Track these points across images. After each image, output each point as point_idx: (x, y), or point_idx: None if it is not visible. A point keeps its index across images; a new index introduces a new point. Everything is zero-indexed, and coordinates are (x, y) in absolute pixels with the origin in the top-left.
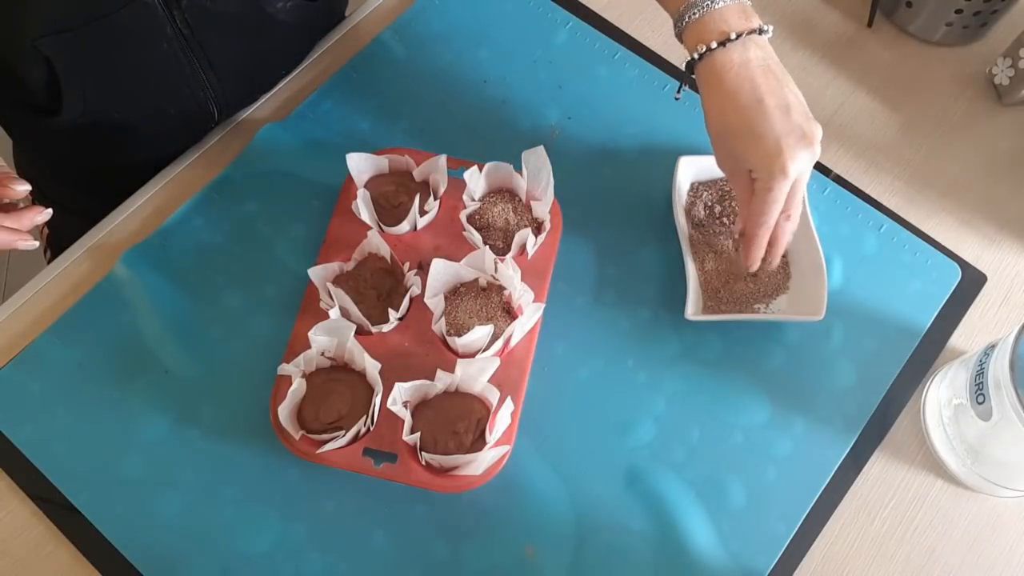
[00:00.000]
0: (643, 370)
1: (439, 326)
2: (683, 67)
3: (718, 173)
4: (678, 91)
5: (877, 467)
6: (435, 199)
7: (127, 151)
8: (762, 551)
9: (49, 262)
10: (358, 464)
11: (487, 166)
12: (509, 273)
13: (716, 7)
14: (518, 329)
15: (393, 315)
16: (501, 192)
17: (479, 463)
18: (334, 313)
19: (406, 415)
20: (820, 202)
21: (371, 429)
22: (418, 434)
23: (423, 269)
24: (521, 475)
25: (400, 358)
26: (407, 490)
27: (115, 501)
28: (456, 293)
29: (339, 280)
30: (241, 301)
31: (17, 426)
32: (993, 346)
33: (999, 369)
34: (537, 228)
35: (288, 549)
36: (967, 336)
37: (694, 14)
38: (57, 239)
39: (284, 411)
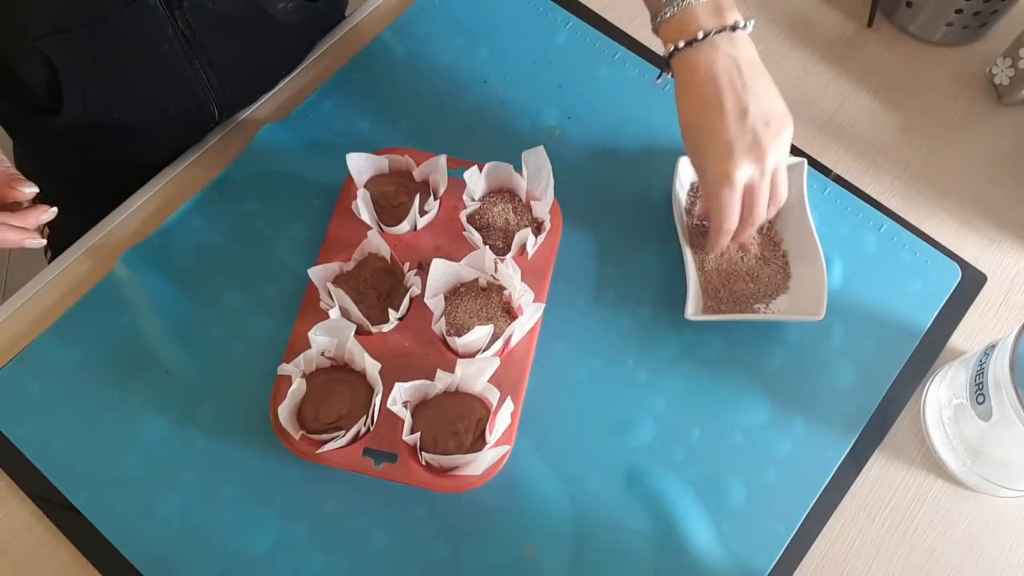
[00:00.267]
0: (643, 370)
1: (439, 326)
2: (663, 56)
3: None
4: (658, 77)
5: (877, 467)
6: (435, 199)
7: (127, 151)
8: (762, 551)
9: (49, 262)
10: (358, 464)
11: (487, 166)
12: (509, 273)
13: (688, 6)
14: (518, 329)
15: (393, 315)
16: (501, 192)
17: (479, 463)
18: (334, 313)
19: (406, 415)
20: (820, 202)
21: (371, 429)
22: (418, 434)
23: (423, 269)
24: (521, 475)
25: (400, 358)
26: (407, 490)
27: (115, 501)
28: (456, 293)
29: (339, 280)
30: (241, 301)
31: (17, 426)
32: (993, 346)
33: (999, 369)
34: (537, 228)
35: (288, 549)
36: (967, 336)
37: (667, 13)
38: (57, 239)
39: (284, 411)
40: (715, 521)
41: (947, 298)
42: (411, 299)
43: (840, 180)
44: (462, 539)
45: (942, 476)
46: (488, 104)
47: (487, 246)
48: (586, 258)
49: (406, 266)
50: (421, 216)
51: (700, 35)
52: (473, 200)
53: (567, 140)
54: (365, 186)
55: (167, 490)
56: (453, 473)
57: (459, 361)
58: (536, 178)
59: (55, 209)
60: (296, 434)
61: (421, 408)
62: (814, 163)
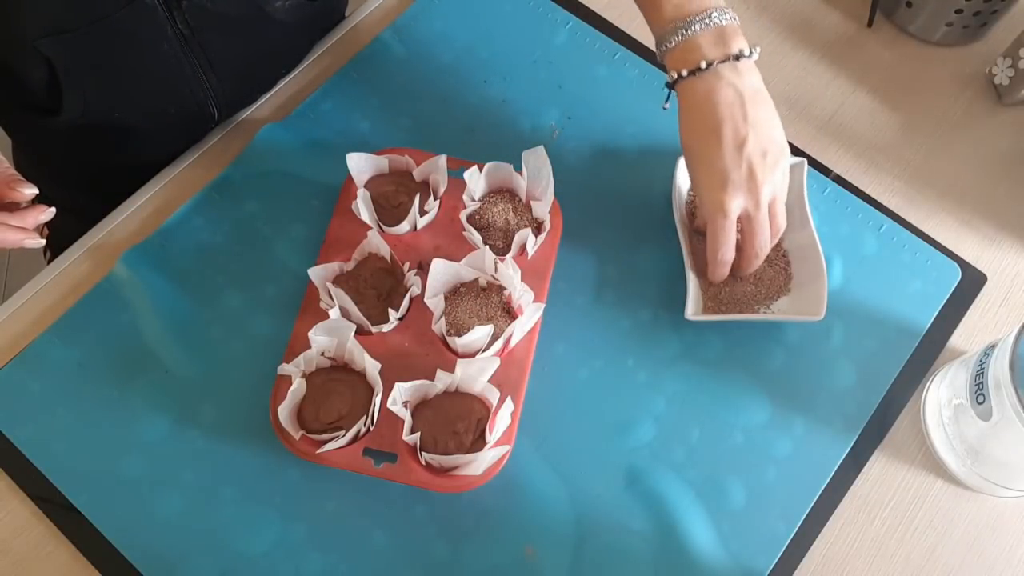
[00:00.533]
0: (643, 370)
1: (439, 326)
2: (668, 82)
3: None
4: (666, 101)
5: (877, 467)
6: (435, 199)
7: (127, 151)
8: (762, 551)
9: (49, 262)
10: (358, 464)
11: (487, 166)
12: (509, 273)
13: (692, 35)
14: (518, 329)
15: (393, 315)
16: (501, 192)
17: (479, 463)
18: (334, 313)
19: (406, 415)
20: (820, 202)
21: (371, 429)
22: (418, 434)
23: (423, 269)
24: (521, 475)
25: (400, 358)
26: (407, 490)
27: (115, 501)
28: (456, 293)
29: (339, 280)
30: (241, 301)
31: (17, 426)
32: (993, 346)
33: (999, 369)
34: (537, 228)
35: (288, 549)
36: (967, 336)
37: (671, 42)
38: (57, 239)
39: (284, 411)
40: (715, 521)
41: (947, 298)
42: (411, 299)
43: (840, 180)
44: (462, 539)
45: (942, 476)
46: (488, 104)
47: (487, 246)
48: (586, 258)
49: (406, 266)
50: (421, 216)
51: (703, 64)
52: (473, 200)
53: (567, 140)
54: (365, 186)
55: (167, 490)
56: (453, 473)
57: (459, 361)
58: (536, 178)
59: (53, 209)
60: (296, 434)
61: (421, 408)
62: (814, 163)
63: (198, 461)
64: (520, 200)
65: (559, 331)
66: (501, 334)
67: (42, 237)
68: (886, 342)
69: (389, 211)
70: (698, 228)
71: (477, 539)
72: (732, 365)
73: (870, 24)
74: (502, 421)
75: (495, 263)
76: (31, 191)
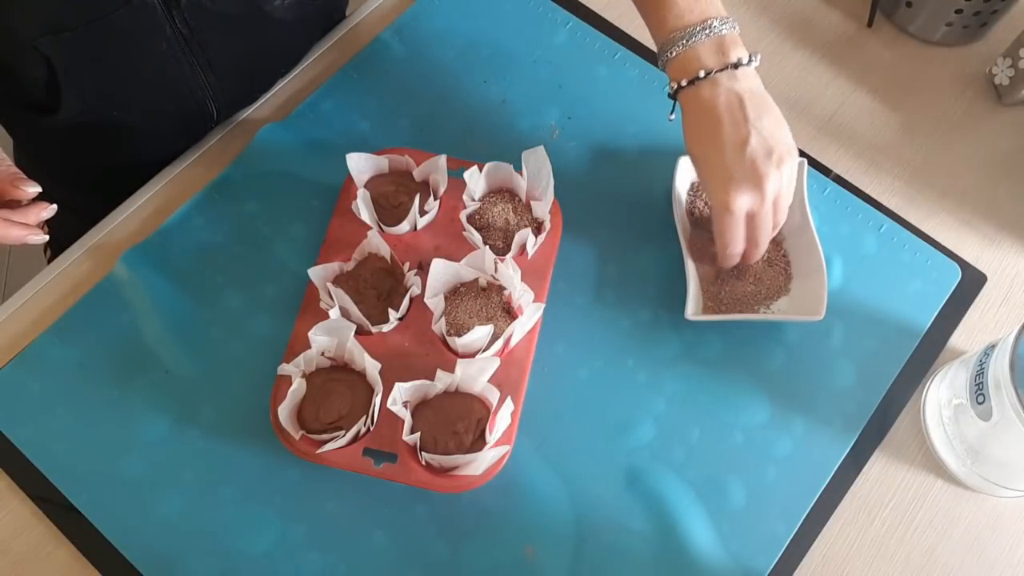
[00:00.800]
0: (643, 370)
1: (439, 326)
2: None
3: None
4: (671, 112)
5: (877, 467)
6: (435, 199)
7: (126, 150)
8: (762, 551)
9: (49, 262)
10: (358, 464)
11: (487, 166)
12: (509, 273)
13: (692, 45)
14: (518, 329)
15: (393, 315)
16: (501, 192)
17: (479, 463)
18: (334, 313)
19: (406, 415)
20: (820, 202)
21: (371, 429)
22: (418, 434)
23: (423, 269)
24: (521, 475)
25: (400, 358)
26: (407, 490)
27: (115, 501)
28: (456, 293)
29: (339, 280)
30: (241, 301)
31: (17, 426)
32: (993, 346)
33: (999, 369)
34: (537, 228)
35: (288, 549)
36: (967, 336)
37: (672, 52)
38: (57, 239)
39: (284, 411)
40: (715, 521)
41: (947, 298)
42: (411, 299)
43: (840, 180)
44: (462, 539)
45: (942, 476)
46: (488, 104)
47: (487, 246)
48: (586, 258)
49: (406, 266)
50: (421, 216)
51: (702, 73)
52: (473, 200)
53: (567, 140)
54: (365, 186)
55: (167, 490)
56: (453, 473)
57: (459, 361)
58: (536, 178)
59: (55, 206)
60: (296, 434)
61: (421, 408)
62: (814, 163)
63: (198, 461)
64: (520, 200)
65: (559, 331)
66: (501, 334)
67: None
68: (886, 342)
69: (389, 211)
70: (697, 222)
71: (477, 539)
72: (732, 365)
73: (870, 24)
74: (502, 421)
75: (495, 263)
76: (34, 189)
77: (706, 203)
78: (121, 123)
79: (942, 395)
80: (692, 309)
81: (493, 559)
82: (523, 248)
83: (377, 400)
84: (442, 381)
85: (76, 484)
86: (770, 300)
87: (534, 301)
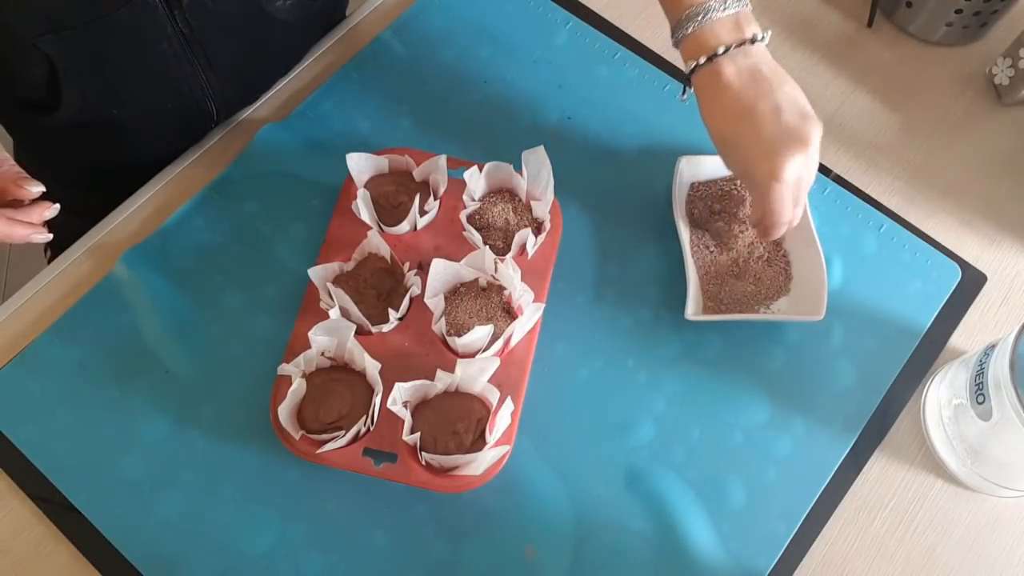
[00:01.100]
0: (643, 370)
1: (439, 326)
2: (685, 72)
3: (718, 173)
4: (683, 93)
5: (877, 467)
6: (435, 199)
7: (126, 150)
8: (762, 551)
9: (49, 262)
10: (358, 464)
11: (487, 166)
12: (509, 273)
13: (709, 20)
14: (518, 329)
15: (393, 315)
16: (501, 192)
17: (479, 463)
18: (334, 313)
19: (406, 415)
20: (820, 202)
21: (371, 429)
22: (418, 434)
23: (423, 269)
24: (521, 475)
25: (400, 358)
26: (407, 490)
27: (115, 501)
28: (456, 293)
29: (339, 280)
30: (241, 301)
31: (17, 426)
32: (993, 346)
33: (999, 369)
34: (537, 228)
35: (288, 549)
36: (967, 336)
37: (688, 28)
38: (57, 239)
39: (284, 411)
40: (715, 521)
41: (947, 298)
42: (411, 299)
43: (840, 180)
44: (462, 539)
45: (942, 476)
46: (488, 104)
47: (487, 246)
48: (586, 258)
49: (406, 266)
50: (421, 216)
51: (720, 50)
52: (473, 200)
53: (567, 140)
54: (365, 186)
55: (167, 490)
56: (453, 473)
57: (459, 361)
58: (536, 178)
59: (58, 205)
60: (296, 434)
61: (421, 408)
62: (816, 161)
63: (198, 461)
64: (520, 200)
65: (559, 331)
66: (501, 334)
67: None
68: (886, 342)
69: (389, 211)
70: (697, 222)
71: (477, 539)
72: (732, 365)
73: (870, 24)
74: (502, 421)
75: (495, 263)
76: (38, 189)
77: (706, 204)
78: (121, 122)
79: (942, 395)
80: (692, 309)
81: (493, 559)
82: (523, 248)
83: (377, 400)
84: (442, 381)
85: (76, 484)
86: (770, 300)
87: (534, 301)
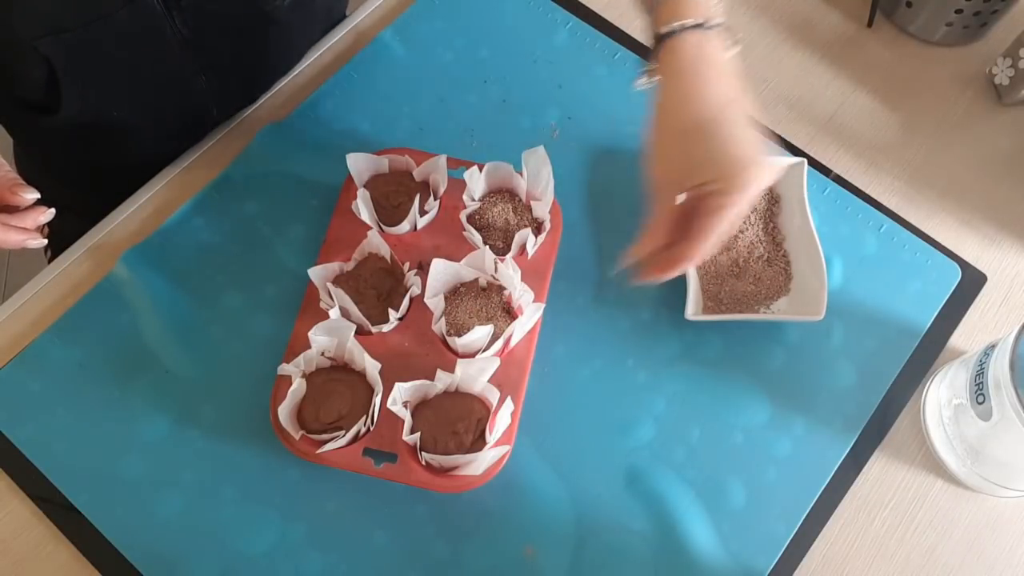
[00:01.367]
0: (643, 370)
1: (439, 326)
2: (650, 45)
3: None
4: (642, 77)
5: (877, 467)
6: (435, 199)
7: (127, 150)
8: (762, 551)
9: (49, 262)
10: (358, 464)
11: (487, 166)
12: (509, 273)
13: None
14: (518, 329)
15: (393, 315)
16: (501, 192)
17: (479, 463)
18: (334, 313)
19: (406, 415)
20: (820, 202)
21: (371, 429)
22: (418, 434)
23: (423, 269)
24: (521, 475)
25: (400, 358)
26: (407, 490)
27: (115, 501)
28: (456, 293)
29: (339, 280)
30: (241, 301)
31: (17, 426)
32: (993, 346)
33: (999, 369)
34: (537, 228)
35: (288, 549)
36: (967, 336)
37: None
38: (57, 239)
39: (284, 411)
40: (715, 521)
41: (947, 298)
42: (411, 299)
43: (840, 180)
44: (462, 539)
45: (942, 476)
46: (488, 104)
47: (487, 246)
48: (586, 258)
49: (406, 266)
50: (421, 216)
51: (715, 21)
52: (473, 200)
53: (567, 140)
54: (365, 186)
55: (167, 490)
56: (453, 473)
57: (459, 361)
58: (536, 178)
59: (52, 210)
60: (296, 434)
61: (421, 408)
62: (814, 163)
63: (198, 461)
64: (520, 200)
65: (559, 331)
66: (501, 334)
67: (43, 237)
68: (886, 342)
69: (389, 211)
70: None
71: (477, 539)
72: (732, 365)
73: (870, 24)
74: (502, 421)
75: (495, 263)
76: (32, 195)
77: None
78: (121, 123)
79: (942, 395)
80: (692, 309)
81: (493, 559)
82: (523, 248)
83: (377, 400)
84: (442, 381)
85: (76, 484)
86: (770, 300)
87: (534, 301)
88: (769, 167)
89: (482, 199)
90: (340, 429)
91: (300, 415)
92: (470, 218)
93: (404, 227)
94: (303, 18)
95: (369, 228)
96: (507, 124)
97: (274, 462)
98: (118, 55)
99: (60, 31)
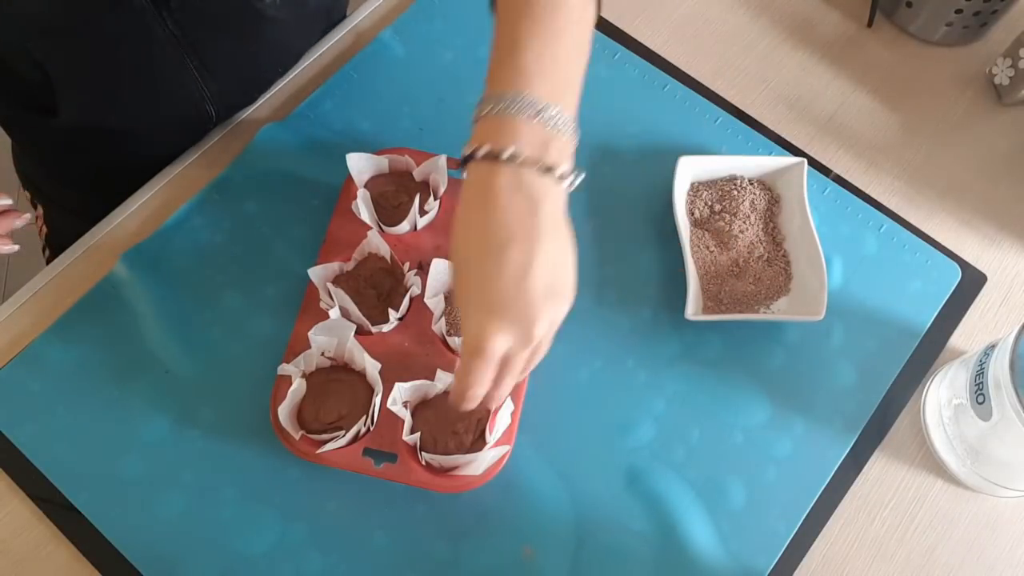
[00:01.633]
0: (643, 370)
1: (439, 326)
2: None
3: (718, 173)
4: (458, 166)
5: (877, 467)
6: (435, 199)
7: (126, 152)
8: (762, 551)
9: (49, 262)
10: (358, 464)
11: None
12: None
13: (521, 114)
14: None
15: (393, 315)
16: None
17: (479, 463)
18: (334, 313)
19: (406, 415)
20: (820, 202)
21: (371, 429)
22: (418, 434)
23: (423, 269)
24: (521, 475)
25: (400, 358)
26: (407, 490)
27: (115, 501)
28: None
29: (339, 280)
30: (241, 301)
31: (17, 426)
32: (993, 346)
33: (999, 369)
34: None
35: (288, 549)
36: (967, 336)
37: (496, 106)
38: (57, 239)
39: (284, 411)
40: (715, 521)
41: (947, 298)
42: (411, 299)
43: (840, 180)
44: (462, 539)
45: (942, 476)
46: None
47: None
48: (586, 258)
49: (406, 266)
50: (421, 216)
51: (512, 152)
52: None
53: None
54: (365, 186)
55: (167, 490)
56: (453, 473)
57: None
58: None
59: (28, 215)
60: (296, 434)
61: (421, 408)
62: (814, 163)
63: (198, 461)
64: None
65: (559, 331)
66: None
67: (40, 237)
68: (886, 342)
69: (389, 211)
70: (698, 222)
71: (477, 539)
72: (732, 365)
73: (870, 24)
74: (502, 421)
75: None
76: (3, 202)
77: (706, 203)
78: (120, 125)
79: (942, 395)
80: (692, 309)
81: (493, 559)
82: None
83: (377, 400)
84: (442, 381)
85: (76, 484)
86: (770, 300)
87: None
88: (507, 331)
89: None
90: (340, 429)
91: (300, 415)
92: None
93: (404, 227)
94: (297, 16)
95: (369, 228)
96: None
97: (274, 462)
98: (110, 56)
99: (49, 33)
